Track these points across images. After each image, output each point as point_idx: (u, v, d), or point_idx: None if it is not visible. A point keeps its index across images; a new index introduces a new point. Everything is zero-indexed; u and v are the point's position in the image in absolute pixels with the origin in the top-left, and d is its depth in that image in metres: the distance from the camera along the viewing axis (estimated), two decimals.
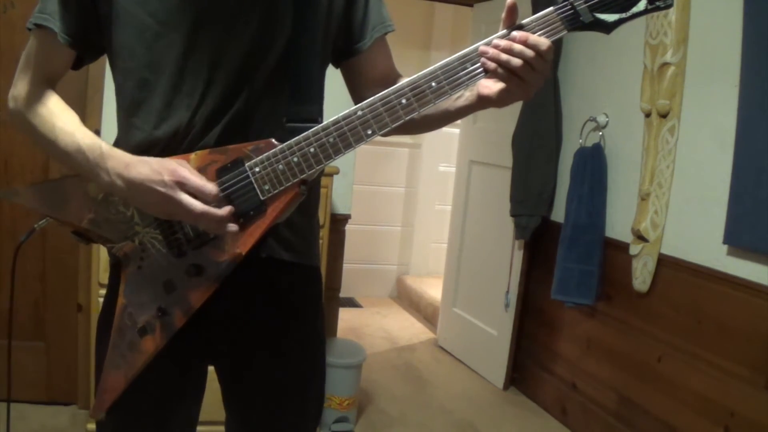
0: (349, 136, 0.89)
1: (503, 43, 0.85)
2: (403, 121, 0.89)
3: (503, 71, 0.86)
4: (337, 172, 2.30)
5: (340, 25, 1.02)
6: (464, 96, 0.96)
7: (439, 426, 2.66)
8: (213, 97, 0.92)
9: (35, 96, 0.95)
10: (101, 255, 1.97)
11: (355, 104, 1.08)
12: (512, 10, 0.86)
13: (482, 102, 0.94)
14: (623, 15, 0.85)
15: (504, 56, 0.85)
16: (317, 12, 0.97)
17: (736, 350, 1.96)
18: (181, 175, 0.86)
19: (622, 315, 2.43)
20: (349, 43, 1.05)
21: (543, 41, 0.85)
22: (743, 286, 1.93)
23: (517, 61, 0.85)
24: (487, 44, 0.87)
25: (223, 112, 0.93)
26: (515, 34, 0.85)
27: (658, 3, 0.83)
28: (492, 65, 0.86)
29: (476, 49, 0.87)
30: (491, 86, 0.91)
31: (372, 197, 4.39)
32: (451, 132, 4.09)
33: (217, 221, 0.88)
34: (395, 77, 1.09)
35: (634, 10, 0.84)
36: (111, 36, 0.94)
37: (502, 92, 0.90)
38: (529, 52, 0.85)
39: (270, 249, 0.99)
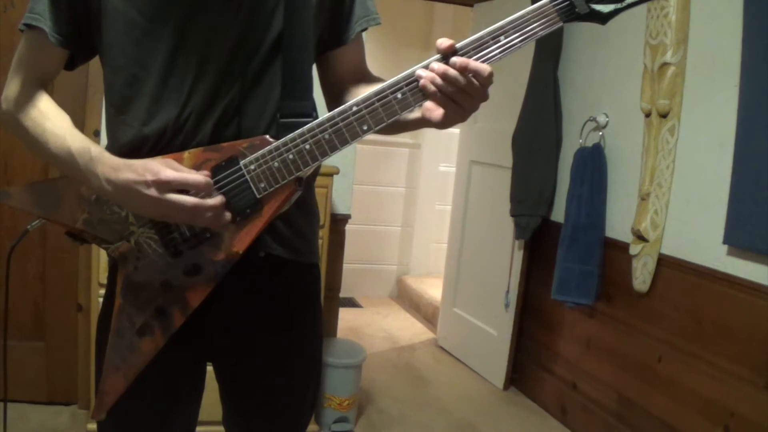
0: (344, 131, 0.88)
1: (438, 67, 0.84)
2: (399, 116, 0.88)
3: (441, 96, 0.85)
4: (337, 172, 2.29)
5: (326, 16, 1.01)
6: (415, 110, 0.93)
7: (439, 426, 2.66)
8: (201, 92, 0.92)
9: (27, 98, 0.94)
10: (101, 255, 1.97)
11: (325, 98, 1.07)
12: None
13: (424, 121, 0.92)
14: (618, 5, 0.84)
15: (440, 81, 0.84)
16: (308, 4, 0.96)
17: (736, 350, 1.95)
18: (164, 177, 0.85)
19: (622, 315, 2.43)
20: (333, 35, 1.03)
21: (484, 68, 0.84)
22: (743, 286, 1.93)
23: (450, 89, 0.84)
24: (425, 68, 0.85)
25: (213, 108, 0.92)
26: (455, 60, 0.84)
27: None
28: (432, 88, 0.84)
29: (474, 40, 0.86)
30: (432, 108, 0.89)
31: (372, 197, 4.39)
32: (451, 132, 4.09)
33: (211, 210, 0.87)
34: (367, 72, 1.09)
35: (628, 0, 0.84)
36: (100, 33, 0.93)
37: (442, 116, 0.88)
38: (461, 81, 0.84)
39: (267, 246, 0.98)
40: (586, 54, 2.71)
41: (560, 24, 0.85)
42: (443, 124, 0.89)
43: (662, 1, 2.15)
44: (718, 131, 2.02)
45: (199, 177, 0.86)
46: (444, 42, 0.85)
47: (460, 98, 0.85)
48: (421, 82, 0.85)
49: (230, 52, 0.92)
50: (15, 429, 2.20)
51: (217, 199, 0.88)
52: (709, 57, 2.08)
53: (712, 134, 2.05)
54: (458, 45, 0.86)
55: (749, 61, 1.89)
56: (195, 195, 0.86)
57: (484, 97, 0.86)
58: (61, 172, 0.96)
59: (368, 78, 1.08)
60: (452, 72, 0.83)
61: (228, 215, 0.89)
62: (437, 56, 0.86)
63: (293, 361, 1.09)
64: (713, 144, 2.05)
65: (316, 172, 1.02)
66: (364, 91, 1.02)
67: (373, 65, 1.12)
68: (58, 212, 0.97)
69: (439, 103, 0.86)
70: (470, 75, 0.84)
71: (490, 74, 0.84)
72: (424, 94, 0.86)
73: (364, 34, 1.07)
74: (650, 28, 2.24)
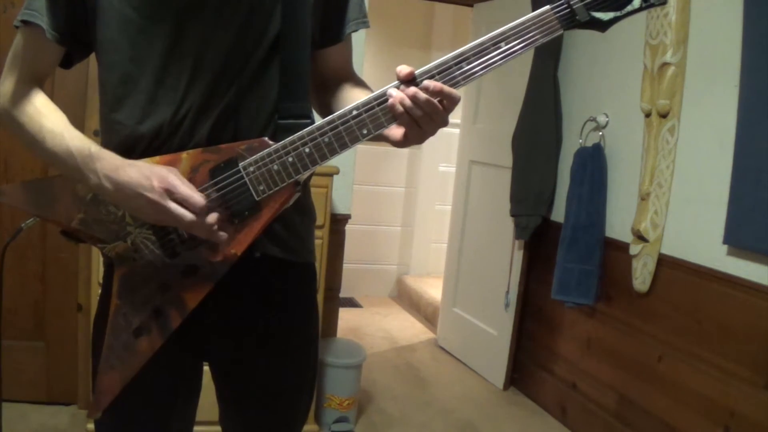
0: (344, 135, 0.88)
1: (409, 89, 0.84)
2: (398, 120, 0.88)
3: (408, 118, 0.86)
4: (337, 172, 2.29)
5: (320, 16, 1.01)
6: None
7: (439, 426, 2.66)
8: (197, 92, 0.91)
9: (22, 94, 0.94)
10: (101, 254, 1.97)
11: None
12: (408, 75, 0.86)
13: (383, 136, 0.92)
14: (618, 13, 0.85)
15: (408, 103, 0.84)
16: (306, 4, 0.96)
17: (736, 350, 1.95)
18: (170, 183, 0.85)
19: (622, 315, 2.43)
20: (324, 35, 1.03)
21: (456, 94, 0.85)
22: (743, 286, 1.93)
23: (417, 112, 0.85)
24: (397, 88, 0.86)
25: (210, 108, 0.92)
26: (428, 83, 0.84)
27: (652, 0, 0.84)
28: (400, 109, 0.85)
29: (476, 46, 0.86)
30: (393, 126, 0.89)
31: (372, 197, 4.39)
32: (451, 132, 4.09)
33: (206, 229, 0.87)
34: (352, 73, 1.09)
35: (629, 8, 0.85)
36: (96, 30, 0.93)
37: (402, 136, 0.89)
38: (429, 107, 0.84)
39: (264, 247, 0.98)
40: (586, 54, 2.71)
41: (561, 31, 0.86)
42: (401, 144, 0.90)
43: None
44: (718, 131, 2.02)
45: (198, 198, 0.86)
46: (404, 69, 0.85)
47: (423, 121, 0.86)
48: (390, 101, 0.85)
49: (227, 52, 0.92)
50: (15, 429, 2.21)
51: (212, 218, 0.88)
52: (709, 57, 2.08)
53: (712, 134, 2.05)
54: (460, 50, 0.86)
55: (749, 61, 1.89)
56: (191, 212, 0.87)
57: (445, 122, 0.88)
58: (57, 171, 0.95)
59: (353, 79, 1.08)
60: (422, 95, 0.84)
61: (224, 235, 0.89)
62: (397, 82, 0.86)
63: (289, 360, 1.09)
64: (713, 144, 2.04)
65: (311, 173, 1.02)
66: (349, 91, 1.03)
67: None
68: (54, 211, 0.97)
69: (402, 124, 0.87)
70: (439, 99, 0.84)
71: (458, 100, 0.86)
72: (393, 115, 0.86)
73: (361, 33, 1.07)
74: (650, 28, 2.24)
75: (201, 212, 0.86)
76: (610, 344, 2.49)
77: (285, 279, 1.05)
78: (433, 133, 0.88)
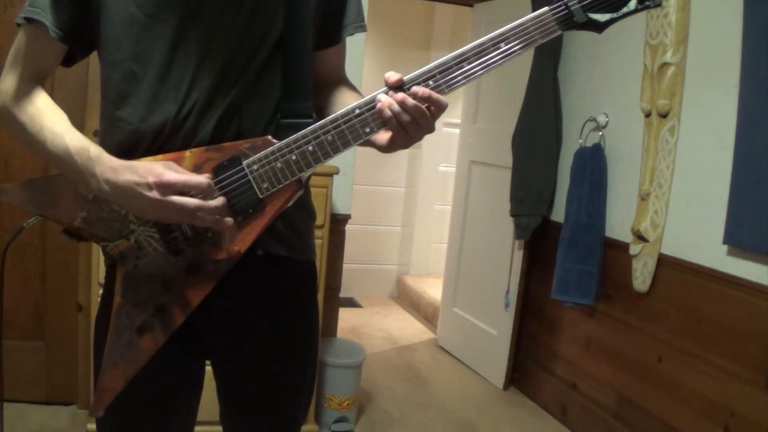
0: (347, 134, 0.89)
1: (399, 96, 0.86)
2: None
3: (395, 123, 0.87)
4: (337, 172, 2.29)
5: (320, 18, 1.01)
6: None
7: (439, 426, 2.66)
8: (200, 90, 0.92)
9: (24, 93, 0.94)
10: (101, 254, 1.97)
11: None
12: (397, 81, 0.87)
13: (369, 142, 0.93)
14: (614, 15, 0.87)
15: (397, 108, 0.86)
16: (308, 5, 0.96)
17: (736, 350, 1.96)
18: (167, 179, 0.85)
19: (622, 315, 2.43)
20: (322, 37, 1.03)
21: (443, 100, 0.86)
22: (743, 286, 1.93)
23: (405, 117, 0.86)
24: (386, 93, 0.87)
25: (213, 107, 0.92)
26: (416, 89, 0.86)
27: (647, 2, 0.86)
28: (389, 114, 0.86)
29: (476, 46, 0.87)
30: (381, 132, 0.91)
31: (372, 197, 4.39)
32: (451, 132, 4.10)
33: (213, 212, 0.87)
34: (344, 77, 1.10)
35: (625, 10, 0.87)
36: (99, 28, 0.93)
37: (389, 140, 0.90)
38: (416, 113, 0.86)
39: (265, 244, 0.99)
40: (586, 54, 2.71)
41: (559, 32, 0.87)
42: (387, 149, 0.91)
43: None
44: (718, 131, 2.02)
45: (200, 179, 0.87)
46: (392, 76, 0.86)
47: (411, 127, 0.87)
48: (378, 106, 0.86)
49: (230, 51, 0.92)
50: (15, 429, 2.21)
51: (218, 200, 0.88)
52: (709, 57, 2.08)
53: (712, 134, 2.05)
54: (460, 51, 0.87)
55: (749, 61, 1.89)
56: (196, 197, 0.87)
57: (431, 129, 0.89)
58: (57, 171, 0.96)
59: (345, 83, 1.09)
60: (410, 101, 0.85)
61: (230, 220, 0.89)
62: (386, 87, 0.87)
63: (290, 358, 1.09)
64: (713, 144, 2.05)
65: (312, 171, 1.03)
66: (342, 95, 1.03)
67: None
68: (56, 210, 0.97)
69: (390, 129, 0.88)
70: (427, 105, 0.86)
71: (446, 106, 0.87)
72: (381, 120, 0.87)
73: (360, 33, 1.08)
74: (650, 28, 2.24)
75: (207, 191, 0.87)
76: (610, 344, 2.49)
77: (286, 277, 1.05)
78: (419, 138, 0.89)
